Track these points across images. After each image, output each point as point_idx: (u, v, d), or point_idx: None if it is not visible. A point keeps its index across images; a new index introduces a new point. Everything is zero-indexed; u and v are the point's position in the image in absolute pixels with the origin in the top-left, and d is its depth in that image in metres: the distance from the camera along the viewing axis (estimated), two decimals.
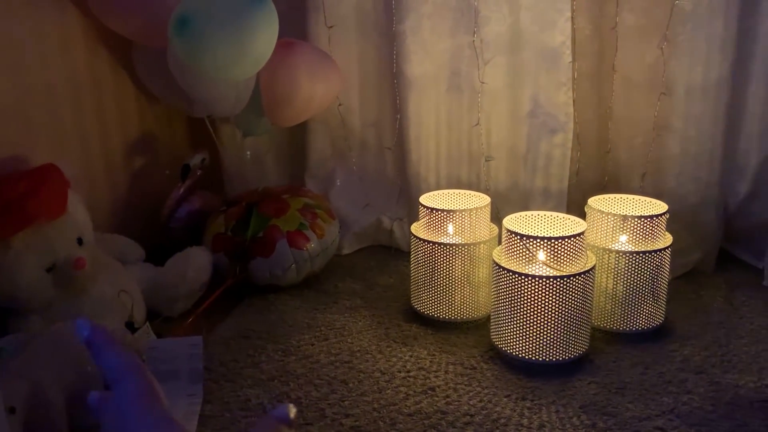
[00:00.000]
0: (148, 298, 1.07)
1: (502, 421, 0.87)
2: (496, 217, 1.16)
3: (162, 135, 1.43)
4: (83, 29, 1.17)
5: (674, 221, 1.09)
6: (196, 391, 0.90)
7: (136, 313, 1.02)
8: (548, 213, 1.06)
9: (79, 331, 0.45)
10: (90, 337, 0.45)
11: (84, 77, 1.19)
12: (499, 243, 1.04)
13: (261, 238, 1.20)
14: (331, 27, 1.33)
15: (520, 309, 0.97)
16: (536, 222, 1.05)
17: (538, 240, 0.96)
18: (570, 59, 1.23)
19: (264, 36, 1.06)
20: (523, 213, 1.05)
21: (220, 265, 1.20)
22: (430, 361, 1.01)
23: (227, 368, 0.99)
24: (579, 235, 0.97)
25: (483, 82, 1.28)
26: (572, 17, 1.21)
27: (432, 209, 1.10)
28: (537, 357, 0.98)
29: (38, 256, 0.91)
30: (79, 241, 0.96)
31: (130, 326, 1.00)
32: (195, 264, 1.15)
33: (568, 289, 0.95)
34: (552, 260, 0.96)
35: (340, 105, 1.38)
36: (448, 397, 0.92)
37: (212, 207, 1.33)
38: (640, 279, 1.04)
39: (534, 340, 0.97)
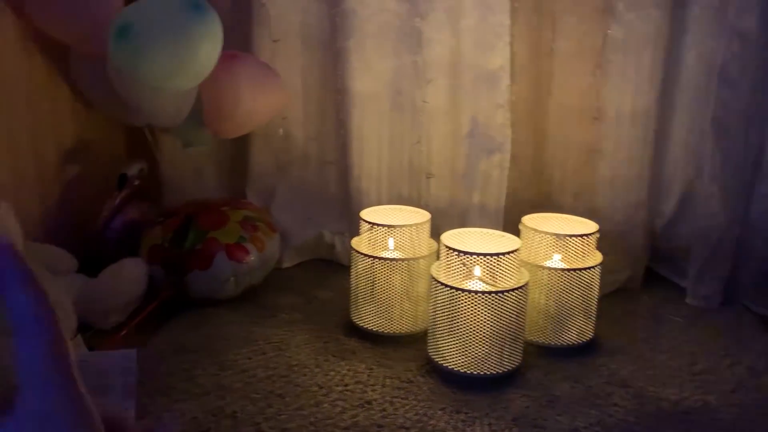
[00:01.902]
0: (80, 310, 1.04)
1: None
2: (436, 233, 1.18)
3: (99, 143, 1.40)
4: (18, 33, 1.14)
5: (604, 240, 1.13)
6: (129, 406, 0.88)
7: (67, 326, 0.99)
8: (485, 230, 1.09)
9: None
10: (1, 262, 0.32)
11: (17, 82, 1.15)
12: (438, 258, 1.06)
13: (199, 250, 1.18)
14: (276, 41, 1.33)
15: (456, 323, 0.99)
16: (473, 238, 1.07)
17: (475, 256, 0.98)
18: (508, 82, 1.27)
19: (206, 47, 1.05)
20: (460, 230, 1.08)
21: (156, 278, 1.18)
22: (368, 375, 1.02)
23: (161, 382, 0.97)
24: (514, 252, 1.00)
25: (424, 102, 1.31)
26: (511, 42, 1.26)
27: (373, 224, 1.12)
28: (472, 370, 1.00)
29: None
30: None
31: None
32: (129, 276, 1.12)
33: (503, 304, 0.97)
34: (488, 276, 0.98)
35: (283, 118, 1.39)
36: (384, 410, 0.93)
37: (149, 218, 1.30)
38: (572, 295, 1.08)
39: (469, 354, 0.99)
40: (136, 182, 1.33)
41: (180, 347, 1.07)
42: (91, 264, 1.16)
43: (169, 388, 0.96)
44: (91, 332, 1.06)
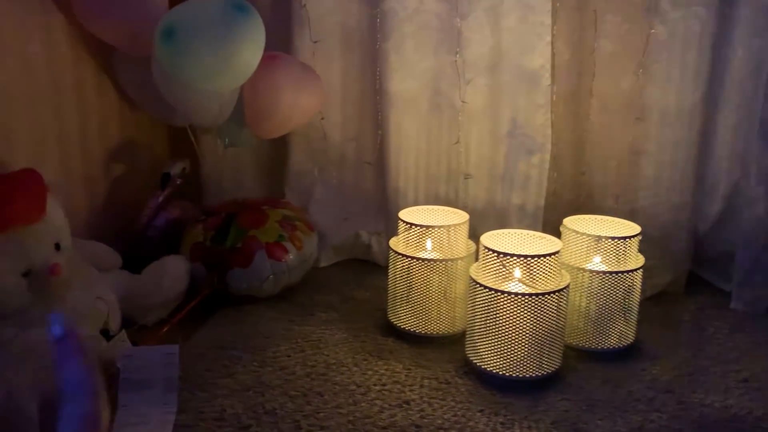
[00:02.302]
0: (123, 306, 1.06)
1: None
2: (474, 234, 1.18)
3: (143, 142, 1.43)
4: (67, 34, 1.17)
5: (647, 243, 1.11)
6: (170, 401, 0.90)
7: (112, 321, 1.02)
8: (524, 231, 1.08)
9: (52, 324, 0.41)
10: (60, 339, 0.41)
11: (66, 82, 1.19)
12: (476, 260, 1.06)
13: (239, 248, 1.20)
14: (315, 42, 1.34)
15: (495, 325, 0.98)
16: (513, 240, 1.07)
17: (515, 257, 0.98)
18: (549, 82, 1.26)
19: (250, 48, 1.07)
20: (500, 231, 1.07)
21: (197, 275, 1.20)
22: (406, 375, 1.02)
23: (202, 378, 0.99)
24: (554, 254, 0.99)
25: (464, 102, 1.30)
26: (552, 41, 1.24)
27: (411, 224, 1.12)
28: (510, 373, 0.99)
29: (14, 261, 0.90)
30: (57, 247, 0.95)
31: (105, 334, 0.99)
32: (172, 273, 1.14)
33: (543, 307, 0.97)
34: (527, 278, 0.98)
35: (322, 119, 1.40)
36: (422, 410, 0.93)
37: (191, 216, 1.32)
38: (613, 298, 1.06)
39: (508, 356, 0.98)
40: (179, 181, 1.35)
41: (220, 344, 1.09)
42: (134, 261, 1.18)
43: (209, 384, 0.97)
44: (135, 328, 1.09)
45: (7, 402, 0.73)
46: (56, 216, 0.97)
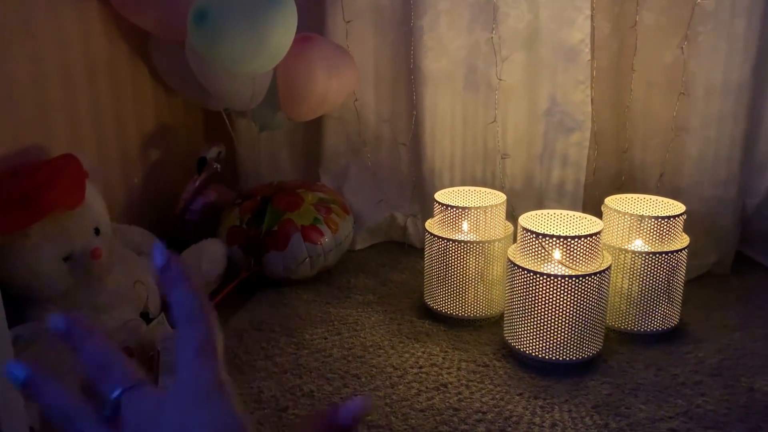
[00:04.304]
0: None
1: (514, 419, 0.87)
2: (511, 215, 1.16)
3: (178, 127, 1.44)
4: (102, 20, 1.18)
5: (691, 222, 1.08)
6: None
7: (151, 304, 1.03)
8: (564, 212, 1.05)
9: (154, 255, 0.41)
10: (164, 267, 0.40)
11: (101, 69, 1.20)
12: (514, 241, 1.04)
13: (275, 231, 1.20)
14: (348, 22, 1.32)
15: (534, 307, 0.96)
16: (552, 221, 1.04)
17: (554, 239, 0.95)
18: (589, 57, 1.22)
19: (282, 30, 1.06)
20: (538, 211, 1.05)
21: (235, 258, 1.21)
22: (443, 358, 1.01)
23: (240, 360, 1.00)
24: (595, 234, 0.96)
25: (500, 79, 1.27)
26: (592, 15, 1.20)
27: (447, 206, 1.10)
28: (550, 356, 0.97)
29: (56, 246, 0.92)
30: (96, 232, 0.97)
31: (145, 317, 1.01)
32: (210, 256, 1.15)
33: (583, 289, 0.94)
34: (567, 259, 0.95)
35: (356, 100, 1.38)
36: (460, 393, 0.92)
37: (227, 200, 1.33)
38: (656, 280, 1.03)
39: (547, 339, 0.97)
40: (215, 165, 1.36)
41: (258, 326, 1.10)
42: (172, 244, 1.19)
43: (248, 365, 0.98)
44: None
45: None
46: (95, 201, 0.99)
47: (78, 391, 0.71)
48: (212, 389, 0.36)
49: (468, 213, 1.09)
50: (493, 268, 1.09)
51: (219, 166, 1.36)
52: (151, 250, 0.41)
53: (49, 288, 0.92)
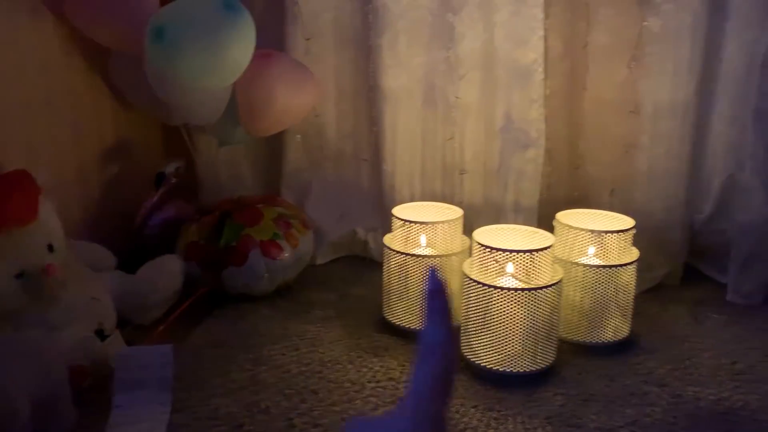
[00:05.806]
0: (119, 306, 1.07)
1: (469, 431, 0.88)
2: (469, 230, 1.18)
3: (137, 142, 1.43)
4: (59, 35, 1.17)
5: (641, 237, 1.11)
6: (165, 400, 0.90)
7: (107, 321, 1.02)
8: (517, 226, 1.08)
9: (429, 277, 0.44)
10: (432, 294, 0.44)
11: (59, 84, 1.19)
12: (470, 255, 1.06)
13: (234, 247, 1.20)
14: (308, 39, 1.34)
15: (488, 320, 0.98)
16: (506, 235, 1.06)
17: (507, 253, 0.97)
18: (542, 76, 1.26)
19: (240, 46, 1.07)
20: (493, 226, 1.07)
21: (193, 274, 1.20)
22: (400, 372, 1.02)
23: (197, 377, 0.99)
24: (547, 248, 0.98)
25: (457, 97, 1.30)
26: (545, 36, 1.24)
27: (405, 221, 1.12)
28: (505, 368, 0.99)
29: (7, 263, 0.90)
30: (50, 248, 0.95)
31: (100, 334, 0.99)
32: (167, 272, 1.14)
33: (536, 302, 0.96)
34: (521, 273, 0.98)
35: (316, 116, 1.39)
36: None
37: (186, 215, 1.33)
38: (607, 292, 1.06)
39: (502, 352, 0.98)
40: (174, 180, 1.35)
41: (216, 343, 1.09)
42: (130, 261, 1.19)
43: (204, 382, 0.98)
44: (130, 327, 1.09)
45: (0, 402, 0.73)
46: (49, 217, 0.97)
47: (29, 407, 0.70)
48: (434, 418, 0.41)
49: (426, 228, 1.11)
50: (450, 282, 1.10)
51: (175, 180, 1.35)
52: (428, 272, 0.45)
53: (0, 305, 0.91)
